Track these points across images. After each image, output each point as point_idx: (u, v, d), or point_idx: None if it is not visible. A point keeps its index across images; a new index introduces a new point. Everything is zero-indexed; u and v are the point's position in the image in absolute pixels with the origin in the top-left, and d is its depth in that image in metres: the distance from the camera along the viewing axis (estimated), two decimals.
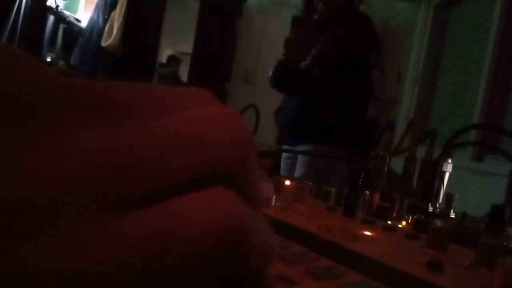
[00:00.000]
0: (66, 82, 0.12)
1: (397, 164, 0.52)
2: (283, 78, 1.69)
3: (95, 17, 3.85)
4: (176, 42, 4.88)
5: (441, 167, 0.52)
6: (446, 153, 0.53)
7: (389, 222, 0.39)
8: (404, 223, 0.42)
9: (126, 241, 0.11)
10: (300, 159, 1.60)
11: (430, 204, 0.51)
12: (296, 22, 1.88)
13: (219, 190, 0.12)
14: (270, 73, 1.71)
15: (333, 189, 0.48)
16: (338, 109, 1.59)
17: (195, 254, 0.11)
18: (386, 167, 0.49)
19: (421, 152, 0.50)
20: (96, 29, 3.81)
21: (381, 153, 0.49)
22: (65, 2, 3.99)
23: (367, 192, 0.45)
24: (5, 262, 0.10)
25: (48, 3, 3.74)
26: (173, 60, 4.56)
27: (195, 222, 0.11)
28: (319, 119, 1.59)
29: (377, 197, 0.45)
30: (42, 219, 0.10)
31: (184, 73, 4.36)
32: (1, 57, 0.12)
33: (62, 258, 0.10)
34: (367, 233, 0.29)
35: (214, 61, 3.90)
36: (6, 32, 3.44)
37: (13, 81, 0.12)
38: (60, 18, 3.92)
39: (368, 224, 0.33)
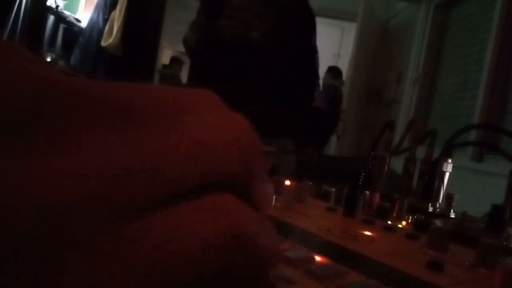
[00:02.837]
0: (71, 83, 0.12)
1: (397, 164, 0.52)
2: (225, 56, 1.36)
3: (95, 17, 3.85)
4: (176, 42, 4.88)
5: (441, 167, 0.52)
6: (446, 153, 0.53)
7: (389, 222, 0.39)
8: (404, 223, 0.42)
9: (138, 248, 0.11)
10: None
11: (430, 204, 0.51)
12: None
13: (225, 197, 0.13)
14: (187, 42, 1.37)
15: (333, 189, 0.48)
16: (293, 95, 1.38)
17: (203, 260, 0.11)
18: (386, 167, 0.49)
19: (421, 152, 0.49)
20: (96, 29, 3.81)
21: (381, 153, 0.49)
22: (65, 2, 3.99)
23: (367, 192, 0.45)
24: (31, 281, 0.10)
25: (48, 3, 3.74)
26: (175, 61, 4.53)
27: (202, 229, 0.12)
28: (272, 107, 1.34)
29: (377, 197, 0.45)
30: (52, 233, 0.10)
31: (184, 73, 4.36)
32: (9, 55, 0.12)
33: (83, 273, 0.10)
34: (367, 233, 0.29)
35: None
36: (6, 32, 3.44)
37: (21, 81, 0.11)
38: (60, 18, 3.92)
39: (368, 224, 0.33)
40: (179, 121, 0.13)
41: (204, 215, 0.12)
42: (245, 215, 0.13)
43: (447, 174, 0.52)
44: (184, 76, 4.38)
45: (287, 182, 0.42)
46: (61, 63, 3.87)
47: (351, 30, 5.14)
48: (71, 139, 0.11)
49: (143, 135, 0.12)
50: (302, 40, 1.44)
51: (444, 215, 0.50)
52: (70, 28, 4.01)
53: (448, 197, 0.51)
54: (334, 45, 5.78)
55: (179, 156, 0.12)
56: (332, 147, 4.58)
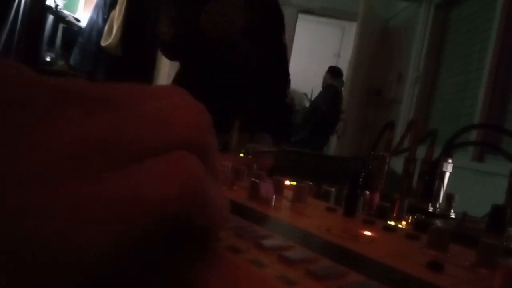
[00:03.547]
0: (59, 83, 0.15)
1: (397, 164, 0.52)
2: (207, 51, 1.37)
3: (95, 17, 3.85)
4: None
5: (441, 167, 0.52)
6: (447, 153, 0.52)
7: (389, 222, 0.38)
8: (404, 223, 0.42)
9: (111, 193, 0.13)
10: None
11: (430, 204, 0.51)
12: None
13: (184, 154, 0.15)
14: (164, 37, 1.37)
15: (333, 189, 0.48)
16: (267, 92, 1.43)
17: (165, 199, 0.14)
18: (386, 167, 0.48)
19: (421, 152, 0.49)
20: (95, 29, 3.81)
21: (381, 153, 0.49)
22: (64, 1, 3.99)
23: (367, 192, 0.45)
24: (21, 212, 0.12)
25: (47, 3, 3.74)
26: None
27: (164, 176, 0.14)
28: (250, 101, 1.37)
29: (377, 197, 0.45)
30: (42, 183, 0.13)
31: None
32: (9, 66, 0.15)
33: (58, 208, 0.13)
34: (367, 233, 0.29)
35: None
36: (6, 32, 3.44)
37: (23, 82, 0.14)
38: (59, 17, 3.92)
39: (368, 224, 0.33)
40: (149, 104, 0.16)
41: (167, 166, 0.15)
42: (200, 169, 0.15)
43: (447, 174, 0.52)
44: None
45: (287, 182, 0.42)
46: (61, 63, 3.87)
47: (351, 30, 5.14)
48: (58, 118, 0.14)
49: (119, 113, 0.15)
50: (274, 38, 1.48)
51: (444, 215, 0.50)
52: (70, 27, 4.01)
53: (448, 197, 0.51)
54: (334, 45, 5.78)
55: (148, 127, 0.15)
56: (332, 147, 4.58)
